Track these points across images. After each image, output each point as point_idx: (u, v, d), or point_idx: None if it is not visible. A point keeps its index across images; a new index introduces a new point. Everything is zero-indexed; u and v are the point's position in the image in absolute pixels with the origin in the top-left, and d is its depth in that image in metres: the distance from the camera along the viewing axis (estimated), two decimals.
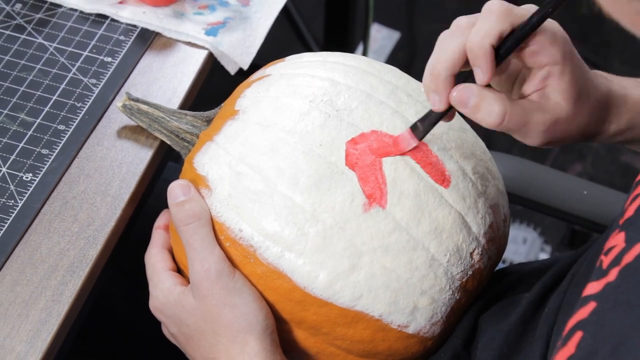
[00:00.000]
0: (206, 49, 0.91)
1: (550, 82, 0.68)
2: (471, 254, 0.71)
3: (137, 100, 0.81)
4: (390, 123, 0.71)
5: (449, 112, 0.69)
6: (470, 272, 0.72)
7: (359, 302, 0.69)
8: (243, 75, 0.92)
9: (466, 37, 0.66)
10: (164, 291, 0.73)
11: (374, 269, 0.68)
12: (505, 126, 0.67)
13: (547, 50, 0.67)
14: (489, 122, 0.67)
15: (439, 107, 0.68)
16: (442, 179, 0.71)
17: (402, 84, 0.75)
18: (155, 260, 0.75)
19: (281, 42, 2.04)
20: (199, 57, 0.91)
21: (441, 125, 0.71)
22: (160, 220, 0.78)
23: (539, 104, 0.68)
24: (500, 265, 1.00)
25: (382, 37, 2.03)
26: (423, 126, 0.70)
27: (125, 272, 0.91)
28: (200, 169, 0.73)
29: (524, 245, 1.70)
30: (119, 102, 0.81)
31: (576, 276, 0.66)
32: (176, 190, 0.72)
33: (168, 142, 0.80)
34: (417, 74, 0.75)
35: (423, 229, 0.69)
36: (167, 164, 0.88)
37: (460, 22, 0.68)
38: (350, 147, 0.70)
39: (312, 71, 0.74)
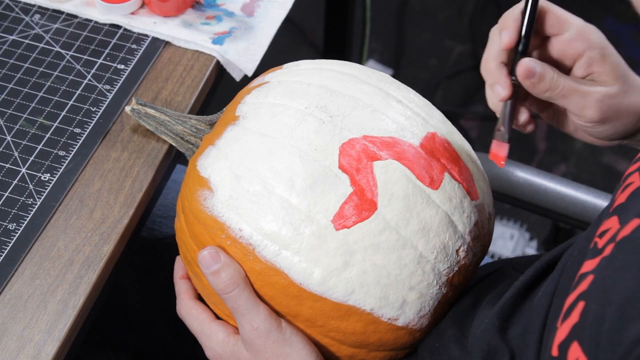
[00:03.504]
0: (213, 57, 0.91)
1: (594, 68, 0.72)
2: (457, 251, 0.72)
3: (144, 104, 0.81)
4: (382, 128, 0.71)
5: (512, 99, 0.73)
6: (456, 268, 0.72)
7: (352, 297, 0.69)
8: (248, 81, 0.92)
9: (500, 36, 0.73)
10: (219, 343, 0.73)
11: (366, 266, 0.69)
12: (561, 93, 0.71)
13: (580, 37, 0.71)
14: (552, 87, 0.71)
15: (504, 93, 0.73)
16: (430, 181, 0.71)
17: (393, 91, 0.76)
18: (197, 313, 0.75)
19: (283, 50, 2.04)
20: (207, 64, 0.91)
21: (429, 128, 0.72)
22: (178, 271, 0.78)
23: (590, 82, 0.72)
24: (488, 260, 1.00)
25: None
26: (503, 128, 0.74)
27: (136, 266, 0.91)
28: (203, 172, 0.73)
29: (511, 241, 1.70)
30: (128, 106, 0.82)
31: (568, 264, 0.66)
32: (207, 260, 0.70)
33: (174, 144, 0.80)
34: None
35: (412, 228, 0.69)
36: (176, 165, 0.88)
37: (492, 30, 0.75)
38: (343, 151, 0.70)
39: (308, 79, 0.74)
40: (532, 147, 1.93)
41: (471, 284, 0.78)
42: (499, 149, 0.74)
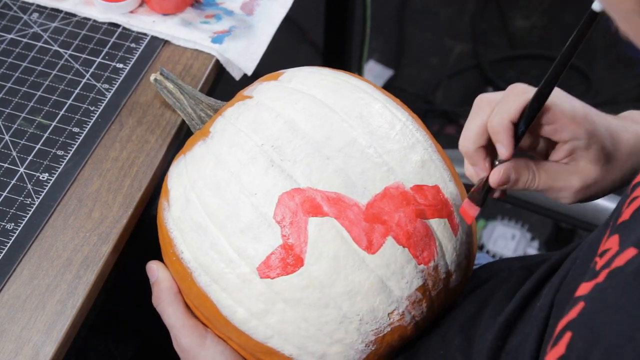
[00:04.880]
0: (212, 56, 0.91)
1: (577, 154, 0.70)
2: (389, 314, 0.70)
3: (166, 77, 0.83)
4: (328, 182, 0.70)
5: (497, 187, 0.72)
6: (387, 329, 0.71)
7: (271, 340, 0.71)
8: (248, 80, 0.92)
9: (487, 114, 0.70)
10: (178, 345, 0.76)
11: (286, 316, 0.69)
12: (537, 189, 0.71)
13: (567, 128, 0.69)
14: (528, 187, 0.71)
15: (482, 174, 0.72)
16: (368, 244, 0.69)
17: (377, 127, 0.73)
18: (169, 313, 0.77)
19: (283, 48, 2.04)
20: (206, 63, 0.91)
21: (389, 181, 0.71)
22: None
23: (569, 168, 0.71)
24: (489, 259, 1.00)
25: (375, 75, 2.03)
26: (479, 195, 0.72)
27: (136, 267, 0.90)
28: (169, 181, 0.75)
29: (513, 241, 1.70)
30: (152, 75, 0.83)
31: (569, 275, 0.65)
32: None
33: (186, 121, 0.82)
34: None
35: (337, 290, 0.69)
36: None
37: (481, 100, 0.71)
38: (281, 201, 0.69)
39: (282, 107, 0.73)
40: None
41: (474, 286, 0.78)
42: (470, 208, 0.72)
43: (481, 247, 1.68)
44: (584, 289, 0.55)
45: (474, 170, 0.72)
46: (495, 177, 0.70)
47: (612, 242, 0.57)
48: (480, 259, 0.97)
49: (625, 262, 0.53)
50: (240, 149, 0.71)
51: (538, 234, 1.74)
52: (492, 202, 1.85)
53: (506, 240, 1.69)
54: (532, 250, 1.69)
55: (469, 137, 0.71)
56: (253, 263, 0.69)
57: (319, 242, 0.68)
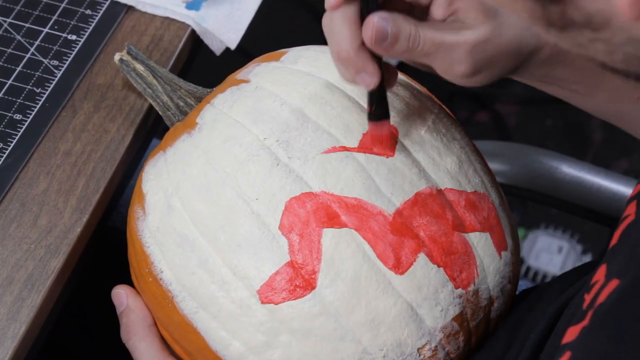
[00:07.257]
0: (187, 25, 0.91)
1: (458, 4, 0.68)
2: (419, 349, 0.70)
3: (135, 57, 0.82)
4: (347, 185, 0.70)
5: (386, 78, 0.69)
6: None
7: None
8: (230, 55, 0.92)
9: (343, 8, 0.66)
10: None
11: (292, 352, 0.69)
12: (423, 51, 0.67)
13: None
14: (411, 47, 0.67)
15: (374, 81, 0.67)
16: (396, 262, 0.69)
17: (393, 125, 0.73)
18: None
19: (275, 15, 2.04)
20: (179, 35, 0.91)
21: (421, 185, 0.71)
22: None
23: (457, 25, 0.68)
24: (528, 284, 1.00)
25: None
26: (379, 105, 0.70)
27: (97, 284, 0.91)
28: (144, 183, 0.75)
29: (559, 255, 1.70)
30: (117, 55, 0.82)
31: (562, 316, 0.66)
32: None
33: (159, 112, 0.81)
34: None
35: (356, 318, 0.69)
36: (142, 158, 0.88)
37: (328, 2, 0.67)
38: (289, 207, 0.69)
39: (288, 92, 0.73)
40: (584, 137, 1.93)
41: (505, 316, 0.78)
42: (380, 129, 0.70)
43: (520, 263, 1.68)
44: (571, 334, 0.56)
45: (362, 79, 0.68)
46: (368, 30, 0.65)
47: (600, 273, 0.58)
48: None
49: (607, 297, 0.54)
50: (238, 145, 0.72)
51: (591, 246, 1.75)
52: (533, 207, 1.85)
53: (551, 254, 1.70)
54: None
55: (344, 37, 0.67)
56: (252, 285, 0.69)
57: (335, 259, 0.69)
